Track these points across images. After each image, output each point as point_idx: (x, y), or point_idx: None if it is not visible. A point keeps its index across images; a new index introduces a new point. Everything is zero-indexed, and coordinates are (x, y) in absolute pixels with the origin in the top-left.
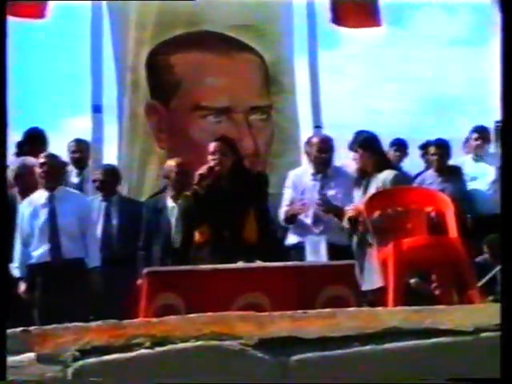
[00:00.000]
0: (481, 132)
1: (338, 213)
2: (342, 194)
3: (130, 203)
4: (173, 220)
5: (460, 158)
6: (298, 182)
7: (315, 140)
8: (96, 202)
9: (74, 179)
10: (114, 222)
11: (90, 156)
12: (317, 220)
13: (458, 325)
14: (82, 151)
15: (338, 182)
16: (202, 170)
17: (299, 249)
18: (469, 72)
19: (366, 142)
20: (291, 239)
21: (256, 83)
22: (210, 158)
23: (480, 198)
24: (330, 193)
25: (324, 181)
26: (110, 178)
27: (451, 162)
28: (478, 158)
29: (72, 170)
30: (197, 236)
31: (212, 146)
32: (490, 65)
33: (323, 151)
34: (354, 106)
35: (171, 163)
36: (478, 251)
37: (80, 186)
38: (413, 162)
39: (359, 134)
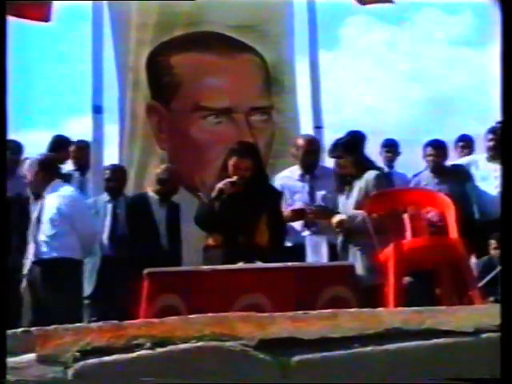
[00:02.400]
0: (496, 133)
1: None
2: (332, 194)
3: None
4: (158, 221)
5: (473, 157)
6: (285, 185)
7: (301, 141)
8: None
9: (76, 181)
10: (121, 222)
11: (91, 157)
12: (307, 224)
13: (459, 325)
14: (83, 155)
15: (326, 182)
16: (223, 184)
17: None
18: (470, 72)
19: (345, 145)
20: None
21: (257, 84)
22: (230, 169)
23: (480, 198)
24: (320, 193)
25: (313, 182)
26: (118, 178)
27: (461, 161)
28: (491, 158)
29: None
30: (210, 241)
31: (234, 160)
32: (491, 65)
33: (310, 153)
34: (355, 107)
35: (166, 168)
36: (481, 252)
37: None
38: (415, 163)
39: (339, 138)
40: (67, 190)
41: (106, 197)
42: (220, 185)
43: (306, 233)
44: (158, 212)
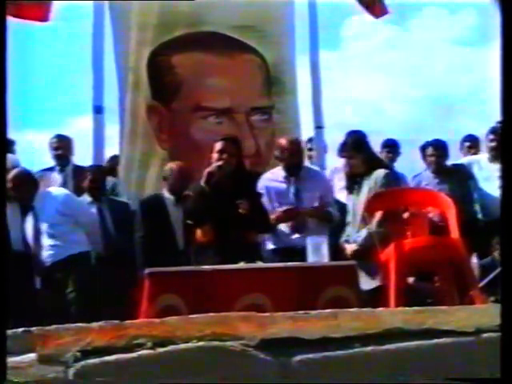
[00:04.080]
0: (497, 133)
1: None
2: (319, 195)
3: (119, 204)
4: (174, 221)
5: (475, 157)
6: (270, 187)
7: (284, 142)
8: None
9: (57, 176)
10: (108, 223)
11: (73, 152)
12: (296, 226)
13: (460, 325)
14: (64, 147)
15: (312, 184)
16: (211, 168)
17: (277, 254)
18: (472, 72)
19: (354, 145)
20: (268, 245)
21: (257, 84)
22: (216, 156)
23: (482, 199)
24: (307, 195)
25: (298, 183)
26: (99, 179)
27: (462, 161)
28: (493, 158)
29: (54, 167)
30: (200, 236)
31: (219, 144)
32: (493, 65)
33: (293, 153)
34: (356, 107)
35: (171, 165)
36: (483, 252)
37: (63, 183)
38: (416, 163)
39: (347, 137)
40: (58, 191)
41: (87, 198)
42: (208, 169)
43: (296, 236)
44: (174, 212)
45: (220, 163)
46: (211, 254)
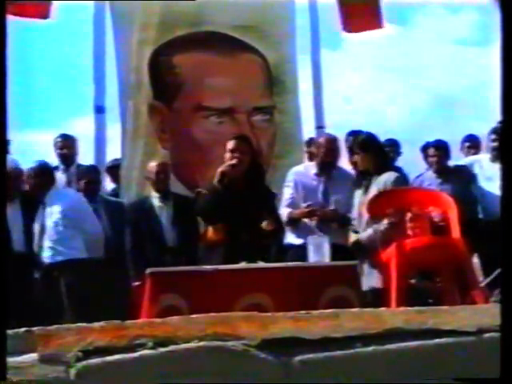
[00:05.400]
0: (499, 133)
1: (343, 223)
2: (346, 198)
3: (113, 203)
4: (163, 219)
5: (477, 156)
6: (299, 181)
7: (322, 141)
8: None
9: (61, 175)
10: (104, 223)
11: (78, 152)
12: (320, 223)
13: (461, 325)
14: (68, 147)
15: (341, 185)
16: (224, 167)
17: (299, 250)
18: (473, 72)
19: (365, 143)
20: (290, 239)
21: (259, 84)
22: (228, 155)
23: (484, 198)
24: (335, 196)
25: (328, 183)
26: (94, 180)
27: (464, 161)
28: (495, 158)
29: (59, 166)
30: (211, 234)
31: (232, 143)
32: (494, 64)
33: (330, 154)
34: (357, 107)
35: (151, 164)
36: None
37: (67, 183)
38: (416, 164)
39: (357, 135)
40: (70, 194)
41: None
42: (221, 168)
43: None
44: (162, 210)
45: (233, 162)
46: (221, 253)
